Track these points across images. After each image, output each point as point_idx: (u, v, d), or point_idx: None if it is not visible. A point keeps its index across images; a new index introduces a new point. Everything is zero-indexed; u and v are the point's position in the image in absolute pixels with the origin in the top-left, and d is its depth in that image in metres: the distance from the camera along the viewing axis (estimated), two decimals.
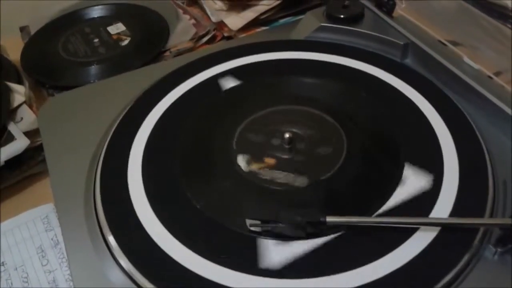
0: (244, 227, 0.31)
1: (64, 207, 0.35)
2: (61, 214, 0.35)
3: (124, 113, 0.41)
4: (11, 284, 0.36)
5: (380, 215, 0.32)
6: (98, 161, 0.37)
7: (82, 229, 0.34)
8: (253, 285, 0.29)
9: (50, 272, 0.36)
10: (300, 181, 0.35)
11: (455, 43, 0.44)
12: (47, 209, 0.40)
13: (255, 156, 0.37)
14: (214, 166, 0.37)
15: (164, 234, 0.32)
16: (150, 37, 0.56)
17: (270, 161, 0.37)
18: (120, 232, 0.32)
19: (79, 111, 0.43)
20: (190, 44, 0.54)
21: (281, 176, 0.35)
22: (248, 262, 0.30)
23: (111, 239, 0.32)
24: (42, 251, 0.38)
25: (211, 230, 0.32)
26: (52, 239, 0.38)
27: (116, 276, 0.31)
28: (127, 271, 0.30)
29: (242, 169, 0.36)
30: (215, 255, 0.30)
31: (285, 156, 0.37)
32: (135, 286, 0.30)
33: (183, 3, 0.63)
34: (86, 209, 0.35)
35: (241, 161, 0.37)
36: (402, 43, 0.45)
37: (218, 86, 0.43)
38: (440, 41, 0.44)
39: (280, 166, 0.36)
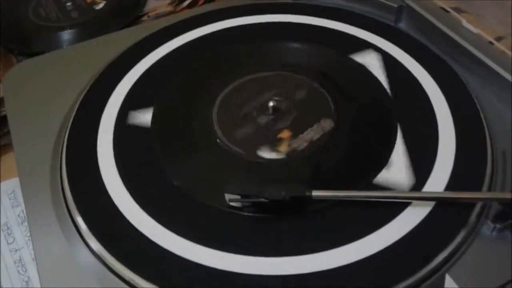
0: (223, 203, 0.29)
1: (28, 182, 0.33)
2: (25, 190, 0.32)
3: (93, 80, 0.38)
4: None
5: (369, 190, 0.29)
6: (65, 133, 0.35)
7: (48, 208, 0.31)
8: (236, 263, 0.26)
9: (16, 250, 0.34)
10: (283, 153, 0.32)
11: (458, 10, 0.41)
12: (14, 184, 0.38)
13: (236, 124, 0.34)
14: (193, 137, 0.34)
15: (138, 212, 0.29)
16: (127, 0, 0.52)
17: (245, 124, 0.34)
18: (89, 212, 0.30)
19: (47, 78, 0.40)
20: (170, 8, 0.51)
21: (262, 147, 0.33)
22: (227, 240, 0.28)
23: (79, 220, 0.29)
24: (8, 228, 0.35)
25: (189, 207, 0.30)
26: (18, 215, 0.36)
27: (85, 258, 0.28)
28: (97, 253, 0.28)
29: (222, 142, 0.33)
30: (194, 233, 0.28)
31: (268, 126, 0.34)
32: (106, 269, 0.27)
33: None
34: (52, 186, 0.32)
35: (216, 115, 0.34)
36: (396, 5, 0.43)
37: (198, 51, 0.40)
38: (442, 8, 0.41)
39: (261, 136, 0.34)
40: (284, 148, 0.33)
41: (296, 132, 0.34)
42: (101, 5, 0.52)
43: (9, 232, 0.35)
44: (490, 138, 0.32)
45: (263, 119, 0.35)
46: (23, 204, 0.36)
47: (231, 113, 0.35)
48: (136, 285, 0.26)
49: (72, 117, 0.35)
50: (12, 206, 0.36)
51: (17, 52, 0.48)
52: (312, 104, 0.36)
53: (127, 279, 0.27)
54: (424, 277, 0.26)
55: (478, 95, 0.35)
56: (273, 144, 0.33)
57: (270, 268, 0.26)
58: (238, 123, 0.35)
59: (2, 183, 0.38)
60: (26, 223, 0.35)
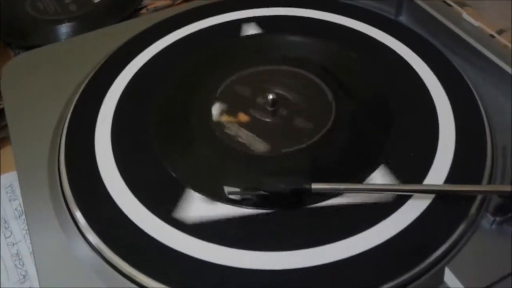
0: (223, 196, 0.29)
1: (26, 176, 0.32)
2: (23, 183, 0.32)
3: (92, 73, 0.38)
4: None
5: (369, 183, 0.29)
6: (63, 126, 0.34)
7: (46, 201, 0.31)
8: (236, 259, 0.26)
9: (13, 244, 0.34)
10: (282, 146, 0.32)
11: (460, 4, 0.40)
12: (11, 178, 0.37)
13: (235, 118, 0.34)
14: (191, 131, 0.34)
15: (135, 205, 0.29)
16: None
17: (243, 118, 0.34)
18: (87, 205, 0.30)
19: (45, 71, 0.40)
20: (168, 1, 0.51)
21: (261, 140, 0.32)
22: (224, 234, 0.27)
23: (77, 213, 0.29)
24: (5, 222, 0.35)
25: (188, 201, 0.29)
26: (16, 209, 0.36)
27: (83, 251, 0.28)
28: (95, 246, 0.28)
29: (221, 135, 0.33)
30: (192, 227, 0.28)
31: (267, 119, 0.34)
32: (104, 262, 0.27)
33: None
34: (50, 179, 0.32)
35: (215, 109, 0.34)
36: None
37: (196, 45, 0.40)
38: (445, 2, 0.41)
39: (261, 129, 0.33)
40: (283, 140, 0.32)
41: (296, 124, 0.33)
42: None
43: (7, 226, 0.35)
44: (490, 131, 0.32)
45: (262, 112, 0.35)
46: (20, 198, 0.36)
47: (230, 106, 0.35)
48: (134, 279, 0.26)
49: (71, 110, 0.35)
50: (10, 200, 0.36)
51: (14, 45, 0.48)
52: (311, 98, 0.35)
53: (125, 272, 0.26)
54: (424, 270, 0.25)
55: (478, 88, 0.35)
56: (272, 137, 0.33)
57: (265, 262, 0.26)
58: (237, 116, 0.34)
59: (0, 176, 0.38)
60: (23, 217, 0.35)
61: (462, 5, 0.40)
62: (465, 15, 0.39)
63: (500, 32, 0.37)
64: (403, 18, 0.43)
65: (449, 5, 0.40)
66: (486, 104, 0.34)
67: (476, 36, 0.37)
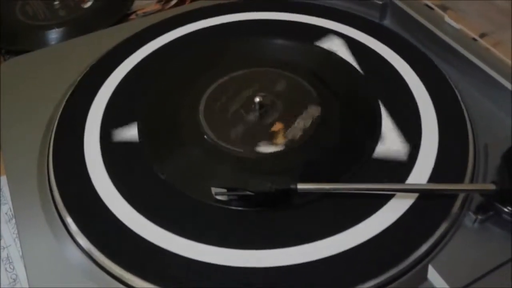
0: (210, 197, 0.29)
1: (16, 180, 0.33)
2: (12, 188, 0.32)
3: (80, 77, 0.38)
4: None
5: (353, 182, 0.30)
6: (52, 131, 0.34)
7: (36, 205, 0.31)
8: (225, 257, 0.27)
9: (4, 248, 0.34)
10: (272, 145, 0.33)
11: (443, 7, 0.41)
12: (1, 182, 0.37)
13: (222, 120, 0.35)
14: (180, 133, 0.34)
15: (125, 207, 0.29)
16: None
17: (231, 120, 0.35)
18: (77, 208, 0.30)
19: (35, 76, 0.40)
20: (158, 7, 0.51)
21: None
22: (213, 233, 0.28)
23: (67, 217, 0.29)
24: None
25: (177, 202, 0.30)
26: (6, 213, 0.36)
27: (73, 255, 0.28)
28: (86, 249, 0.28)
29: (209, 137, 0.33)
30: (182, 228, 0.28)
31: (255, 120, 0.35)
32: (94, 265, 0.27)
33: None
34: (39, 183, 0.32)
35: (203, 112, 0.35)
36: (380, 2, 0.43)
37: (184, 49, 0.41)
38: (427, 5, 0.42)
39: (248, 130, 0.34)
40: (274, 139, 0.33)
41: (283, 126, 0.34)
42: (89, 4, 0.52)
43: None
44: (472, 131, 0.33)
45: (248, 113, 0.35)
46: (10, 202, 0.36)
47: (217, 108, 0.36)
48: (125, 281, 0.26)
49: (59, 114, 0.35)
50: (0, 204, 0.36)
51: (4, 51, 0.48)
52: (298, 99, 0.36)
53: (115, 274, 0.27)
54: (407, 268, 0.26)
55: (461, 89, 0.36)
56: (260, 138, 0.33)
57: (252, 261, 0.26)
58: (224, 118, 0.35)
59: None
60: (14, 221, 0.35)
61: (445, 8, 0.41)
62: (447, 18, 0.40)
63: (482, 35, 0.38)
64: (387, 22, 0.44)
65: (432, 8, 0.41)
66: (468, 104, 0.35)
67: (458, 38, 0.38)
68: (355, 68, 0.38)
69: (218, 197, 0.29)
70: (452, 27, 0.39)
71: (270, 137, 0.33)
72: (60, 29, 0.49)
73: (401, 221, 0.27)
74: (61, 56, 0.41)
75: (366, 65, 0.38)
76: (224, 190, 0.29)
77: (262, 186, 0.28)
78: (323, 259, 0.26)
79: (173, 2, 0.52)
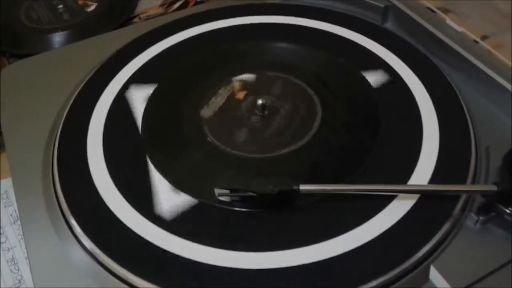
0: (214, 199, 0.29)
1: (21, 182, 0.33)
2: (17, 189, 0.33)
3: (85, 81, 0.38)
4: None
5: (356, 183, 0.30)
6: (56, 134, 0.35)
7: (40, 207, 0.31)
8: (231, 260, 0.27)
9: (9, 249, 0.34)
10: (273, 149, 0.33)
11: (444, 10, 0.41)
12: (6, 184, 0.38)
13: (225, 122, 0.35)
14: (183, 136, 0.35)
15: (128, 209, 0.30)
16: (118, 2, 0.53)
17: (234, 121, 0.35)
18: (81, 210, 0.30)
19: (39, 79, 0.40)
20: (160, 10, 0.52)
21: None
22: (216, 235, 0.28)
23: (72, 218, 0.29)
24: (1, 227, 0.35)
25: (180, 205, 0.30)
26: (11, 215, 0.36)
27: (78, 256, 0.28)
28: (90, 250, 0.28)
29: (212, 139, 0.34)
30: (184, 230, 0.28)
31: (257, 123, 0.35)
32: (99, 266, 0.28)
33: None
34: (44, 185, 0.32)
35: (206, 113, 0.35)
36: (382, 5, 0.43)
37: (188, 52, 0.41)
38: (429, 8, 0.42)
39: (250, 132, 0.34)
40: (276, 141, 0.33)
41: (285, 128, 0.34)
42: (92, 7, 0.52)
43: (2, 231, 0.35)
44: (474, 133, 0.33)
45: (252, 116, 0.35)
46: (15, 204, 0.36)
47: (220, 111, 0.36)
48: (130, 282, 0.27)
49: (63, 117, 0.36)
50: (5, 206, 0.37)
51: (8, 54, 0.48)
52: (300, 102, 0.36)
53: (119, 275, 0.27)
54: (409, 269, 0.26)
55: (463, 91, 0.36)
56: (262, 140, 0.33)
57: (254, 262, 0.26)
58: (227, 121, 0.35)
59: None
60: (18, 223, 0.35)
61: (446, 11, 0.41)
62: (448, 21, 0.40)
63: (483, 38, 0.38)
64: (389, 25, 0.44)
65: (433, 11, 0.41)
66: (469, 106, 0.35)
67: (459, 41, 0.38)
68: (358, 71, 0.38)
69: (221, 198, 0.29)
70: (454, 29, 0.39)
71: (273, 139, 0.33)
72: (64, 33, 0.49)
73: (403, 222, 0.28)
74: (65, 59, 0.42)
75: (368, 68, 0.38)
76: (227, 191, 0.29)
77: (265, 187, 0.28)
78: (325, 260, 0.26)
79: (176, 6, 0.53)
